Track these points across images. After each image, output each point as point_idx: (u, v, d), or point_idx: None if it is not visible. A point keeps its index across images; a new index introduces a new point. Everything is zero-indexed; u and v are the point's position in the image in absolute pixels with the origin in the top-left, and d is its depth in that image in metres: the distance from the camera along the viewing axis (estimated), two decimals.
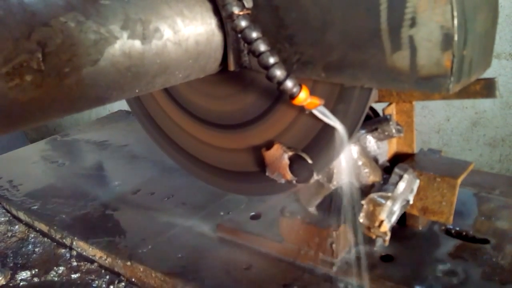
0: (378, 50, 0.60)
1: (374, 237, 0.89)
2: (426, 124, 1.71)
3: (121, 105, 2.17)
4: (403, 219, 1.04)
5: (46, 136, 2.01)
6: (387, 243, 0.87)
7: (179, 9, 0.67)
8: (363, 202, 0.87)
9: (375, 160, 0.97)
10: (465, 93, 0.84)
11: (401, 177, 0.89)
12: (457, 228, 1.04)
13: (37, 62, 0.53)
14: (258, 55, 0.65)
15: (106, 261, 1.12)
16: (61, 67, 0.55)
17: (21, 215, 1.36)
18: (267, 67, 0.65)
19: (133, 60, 0.62)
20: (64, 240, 1.22)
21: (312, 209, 0.98)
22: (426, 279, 0.89)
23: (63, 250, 1.19)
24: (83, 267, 1.12)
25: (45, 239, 1.25)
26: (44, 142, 1.91)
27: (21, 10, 0.52)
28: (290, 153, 0.80)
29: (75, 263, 1.13)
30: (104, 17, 0.58)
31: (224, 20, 0.72)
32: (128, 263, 1.07)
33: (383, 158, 0.99)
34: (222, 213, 1.20)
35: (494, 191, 1.19)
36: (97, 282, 1.06)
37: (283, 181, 0.82)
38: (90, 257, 1.15)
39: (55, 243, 1.22)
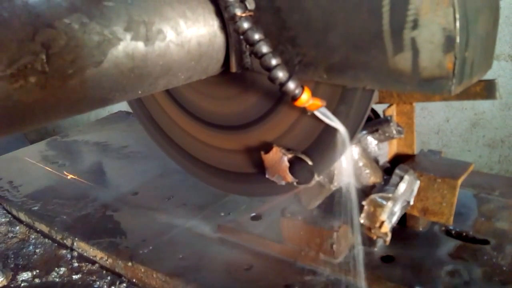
0: (380, 51, 0.60)
1: (374, 237, 0.90)
2: (425, 125, 1.71)
3: (121, 106, 2.17)
4: (404, 220, 1.04)
5: (46, 137, 2.01)
6: (387, 244, 0.88)
7: (181, 10, 0.67)
8: (364, 203, 0.87)
9: (376, 161, 0.97)
10: (465, 95, 0.84)
11: (401, 178, 0.90)
12: (457, 229, 1.05)
13: (41, 63, 0.53)
14: (260, 56, 0.66)
15: (107, 262, 1.12)
16: (65, 69, 0.55)
17: (21, 216, 1.36)
18: (269, 69, 0.66)
19: (136, 61, 0.62)
20: (65, 241, 1.22)
21: (313, 210, 0.98)
22: (427, 279, 0.90)
23: (64, 251, 1.19)
24: (84, 268, 1.12)
25: (46, 240, 1.25)
26: (44, 143, 1.91)
27: (25, 12, 0.53)
28: (290, 156, 0.80)
29: (76, 264, 1.13)
30: (107, 18, 0.59)
31: (226, 21, 0.72)
32: (129, 264, 1.07)
33: (384, 159, 1.00)
34: (222, 214, 1.20)
35: (494, 192, 1.20)
36: (98, 283, 1.06)
37: (283, 183, 0.83)
38: (91, 258, 1.15)
39: (56, 244, 1.22)
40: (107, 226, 1.24)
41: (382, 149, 0.98)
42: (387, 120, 0.94)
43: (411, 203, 0.92)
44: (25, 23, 0.52)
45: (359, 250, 0.97)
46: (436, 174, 0.93)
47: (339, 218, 0.93)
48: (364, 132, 0.95)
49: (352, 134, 0.74)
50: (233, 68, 0.75)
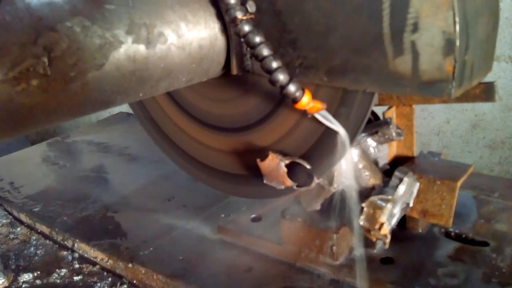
0: (380, 54, 0.61)
1: (374, 239, 0.90)
2: (426, 127, 1.71)
3: (122, 107, 2.17)
4: (403, 221, 1.04)
5: (47, 138, 2.01)
6: (387, 246, 0.88)
7: (183, 13, 0.68)
8: (363, 204, 0.87)
9: (376, 163, 0.97)
10: (464, 97, 0.84)
11: (401, 180, 0.90)
12: (457, 231, 1.05)
13: (43, 66, 0.53)
14: (261, 59, 0.66)
15: (108, 263, 1.12)
16: (67, 72, 0.55)
17: (22, 217, 1.36)
18: (270, 71, 0.66)
19: (138, 64, 0.62)
20: (65, 242, 1.22)
21: (313, 212, 0.98)
22: (426, 281, 0.90)
23: (65, 252, 1.19)
24: (85, 270, 1.12)
25: (47, 241, 1.25)
26: (45, 144, 1.91)
27: (27, 15, 0.53)
28: (287, 161, 0.79)
29: (77, 265, 1.13)
30: (109, 21, 0.59)
31: (227, 24, 0.72)
32: (130, 265, 1.07)
33: (383, 161, 1.00)
34: (223, 215, 1.20)
35: (494, 194, 1.20)
36: (99, 284, 1.06)
37: (283, 187, 0.82)
38: (92, 259, 1.15)
39: (57, 245, 1.22)
40: (107, 227, 1.24)
41: (381, 151, 0.99)
42: (386, 122, 0.94)
43: (411, 205, 0.92)
44: (28, 27, 0.53)
45: (359, 252, 0.98)
46: (436, 176, 0.94)
47: (339, 220, 0.93)
48: (364, 134, 0.95)
49: (352, 137, 0.74)
50: (234, 70, 0.76)
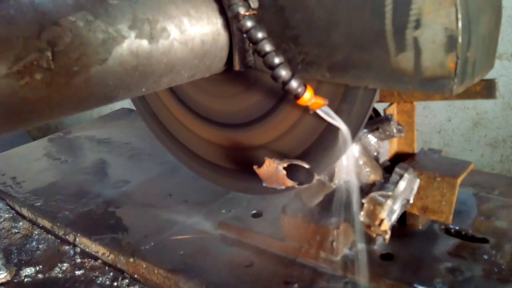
0: (382, 51, 0.61)
1: (374, 235, 0.90)
2: (427, 124, 1.71)
3: (123, 103, 2.17)
4: (403, 218, 1.05)
5: (48, 134, 2.01)
6: (387, 242, 0.88)
7: (185, 9, 0.68)
8: (363, 200, 0.88)
9: (376, 159, 0.97)
10: (465, 94, 0.84)
11: (401, 176, 0.90)
12: (457, 227, 1.05)
13: (46, 61, 0.53)
14: (263, 55, 0.66)
15: (109, 258, 1.13)
16: (70, 66, 0.56)
17: (24, 211, 1.37)
18: (272, 67, 0.66)
19: (141, 59, 0.62)
20: (67, 237, 1.23)
21: (314, 208, 0.98)
22: (426, 277, 0.90)
23: (67, 246, 1.20)
24: (87, 264, 1.12)
25: (49, 235, 1.25)
26: (46, 139, 1.92)
27: (31, 9, 0.53)
28: (284, 164, 0.78)
29: (79, 260, 1.14)
30: (112, 16, 0.59)
31: (230, 20, 0.72)
32: (131, 259, 1.08)
33: (384, 157, 1.00)
34: (224, 211, 1.21)
35: (494, 191, 1.20)
36: (101, 279, 1.07)
37: (284, 187, 0.82)
38: (94, 253, 1.16)
39: (59, 240, 1.23)
40: (109, 222, 1.25)
41: (382, 147, 0.99)
42: (387, 119, 0.94)
43: (411, 201, 0.92)
44: (31, 21, 0.53)
45: (359, 248, 0.98)
46: (436, 172, 0.94)
47: (339, 215, 0.93)
48: (365, 130, 0.95)
49: (354, 133, 0.74)
50: (236, 66, 0.76)
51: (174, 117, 1.04)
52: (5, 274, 1.09)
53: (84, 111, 0.66)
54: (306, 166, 0.78)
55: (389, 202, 0.86)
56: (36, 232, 1.27)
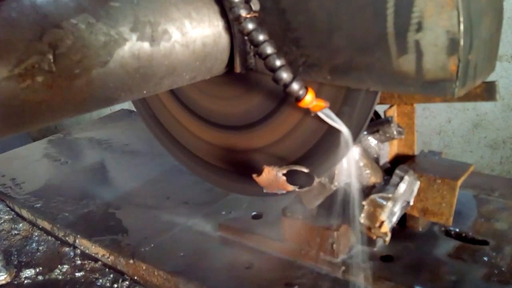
0: (384, 53, 0.61)
1: (374, 237, 0.90)
2: (427, 126, 1.71)
3: (123, 104, 2.17)
4: (403, 220, 1.05)
5: (48, 135, 2.01)
6: (387, 244, 0.88)
7: (187, 11, 0.68)
8: (364, 203, 0.88)
9: (376, 161, 0.98)
10: (465, 96, 0.84)
11: (401, 178, 0.90)
12: (457, 229, 1.05)
13: (48, 63, 0.53)
14: (264, 57, 0.66)
15: (109, 259, 1.12)
16: (72, 69, 0.55)
17: (24, 213, 1.37)
18: (273, 70, 0.66)
19: (142, 61, 0.62)
20: (67, 238, 1.22)
21: (314, 209, 0.98)
22: (426, 279, 0.90)
23: (67, 248, 1.19)
24: (87, 266, 1.12)
25: (49, 237, 1.25)
26: (46, 141, 1.91)
27: (33, 12, 0.53)
28: (284, 171, 0.78)
29: (79, 262, 1.14)
30: (114, 19, 0.59)
31: (231, 22, 0.72)
32: (131, 261, 1.08)
33: (384, 159, 1.00)
34: (224, 213, 1.21)
35: (494, 193, 1.20)
36: (101, 280, 1.07)
37: (285, 192, 0.82)
38: (93, 255, 1.16)
39: (59, 242, 1.23)
40: (109, 223, 1.24)
41: (382, 149, 0.99)
42: (387, 121, 0.95)
43: (411, 203, 0.92)
44: (33, 23, 0.53)
45: (359, 250, 0.98)
46: (436, 174, 0.94)
47: (340, 217, 0.93)
48: (365, 132, 0.95)
49: (355, 135, 0.74)
50: (238, 68, 0.76)
51: (175, 119, 1.04)
52: (5, 275, 1.08)
53: (86, 113, 0.66)
54: (306, 170, 0.78)
55: (389, 204, 0.86)
56: (36, 234, 1.27)
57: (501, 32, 0.68)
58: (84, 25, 0.56)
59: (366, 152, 0.95)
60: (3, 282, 1.07)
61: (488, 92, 0.83)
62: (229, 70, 0.78)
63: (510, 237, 1.01)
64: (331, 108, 0.71)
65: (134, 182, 1.47)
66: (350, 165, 0.89)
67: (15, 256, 1.17)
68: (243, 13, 0.65)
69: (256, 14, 0.67)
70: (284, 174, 0.79)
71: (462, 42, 0.55)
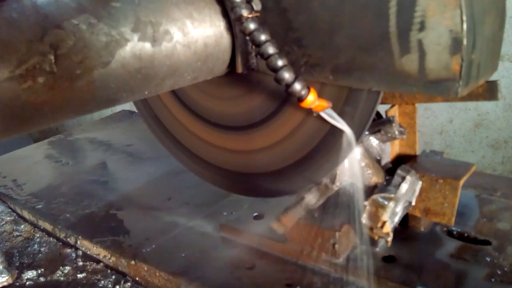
0: (386, 53, 0.60)
1: (376, 237, 0.90)
2: (429, 126, 1.71)
3: (124, 105, 2.17)
4: (405, 220, 1.05)
5: (49, 136, 2.01)
6: (389, 244, 0.88)
7: (188, 11, 0.67)
8: (366, 203, 0.88)
9: (378, 161, 0.97)
10: (467, 96, 0.84)
11: (403, 178, 0.90)
12: (459, 230, 1.05)
13: (49, 64, 0.53)
14: (266, 57, 0.66)
15: (110, 260, 1.12)
16: (73, 69, 0.55)
17: (25, 214, 1.37)
18: (275, 70, 0.66)
19: (143, 62, 0.62)
20: (68, 239, 1.22)
21: (315, 210, 0.98)
22: (428, 280, 0.90)
23: (69, 249, 1.19)
24: (89, 267, 1.12)
25: (51, 238, 1.25)
26: (47, 142, 1.91)
27: (34, 13, 0.53)
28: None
29: (81, 263, 1.13)
30: (115, 19, 0.59)
31: (232, 22, 0.72)
32: (132, 262, 1.08)
33: (386, 159, 1.00)
34: (225, 213, 1.20)
35: (496, 193, 1.20)
36: (103, 282, 1.06)
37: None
38: (95, 256, 1.16)
39: (61, 243, 1.22)
40: (110, 224, 1.24)
41: (384, 149, 0.99)
42: (389, 121, 0.94)
43: (413, 203, 0.92)
44: (34, 24, 0.53)
45: (361, 250, 0.98)
46: (438, 174, 0.94)
47: (341, 218, 0.93)
48: (367, 132, 0.95)
49: (358, 135, 0.74)
50: (239, 69, 0.76)
51: (176, 119, 1.04)
52: (7, 277, 1.08)
53: (87, 114, 0.65)
54: None
55: (391, 204, 0.86)
56: (37, 235, 1.27)
57: (503, 31, 0.68)
58: (85, 25, 0.56)
59: (367, 152, 0.94)
60: (5, 283, 1.07)
61: (490, 91, 0.83)
62: (231, 71, 0.78)
63: None
64: (333, 108, 0.71)
65: (135, 183, 1.47)
66: (352, 165, 0.89)
67: (17, 257, 1.17)
68: (245, 13, 0.65)
69: (258, 14, 0.67)
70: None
71: (465, 42, 0.54)
